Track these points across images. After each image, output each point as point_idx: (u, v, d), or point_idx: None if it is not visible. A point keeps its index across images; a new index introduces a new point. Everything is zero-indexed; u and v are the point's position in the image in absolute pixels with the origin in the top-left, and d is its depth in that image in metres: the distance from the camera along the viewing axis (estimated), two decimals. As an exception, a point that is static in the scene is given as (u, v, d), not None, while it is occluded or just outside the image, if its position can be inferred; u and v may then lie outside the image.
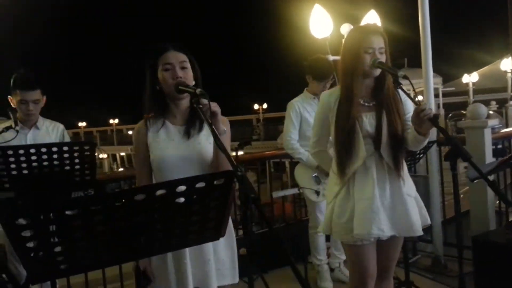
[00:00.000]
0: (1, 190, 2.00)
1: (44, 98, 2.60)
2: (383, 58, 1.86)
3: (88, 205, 0.92)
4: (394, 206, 1.91)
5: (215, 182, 1.02)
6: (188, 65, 1.64)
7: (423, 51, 3.55)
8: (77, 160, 2.02)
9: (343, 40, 1.97)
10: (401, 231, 1.93)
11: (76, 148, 1.98)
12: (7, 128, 2.27)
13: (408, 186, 1.97)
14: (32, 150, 1.91)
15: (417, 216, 1.94)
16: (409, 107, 1.93)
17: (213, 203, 1.09)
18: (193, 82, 1.64)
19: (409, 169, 2.92)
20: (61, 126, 2.74)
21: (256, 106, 26.05)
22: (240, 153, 3.58)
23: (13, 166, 1.92)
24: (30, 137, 2.59)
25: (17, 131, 2.26)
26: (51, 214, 0.91)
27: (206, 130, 1.69)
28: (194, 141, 1.64)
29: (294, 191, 3.39)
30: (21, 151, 1.89)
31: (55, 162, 1.98)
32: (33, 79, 2.47)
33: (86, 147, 1.99)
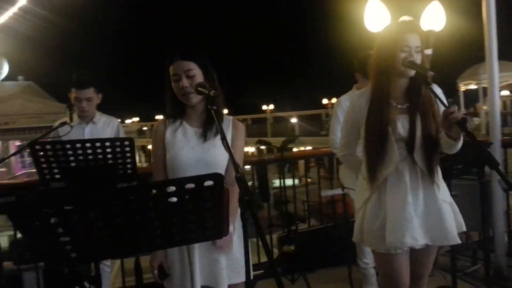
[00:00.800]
0: (53, 180, 2.20)
1: (100, 96, 2.81)
2: (418, 57, 1.77)
3: (83, 201, 1.00)
4: (428, 213, 1.82)
5: (204, 184, 1.05)
6: (194, 72, 1.68)
7: (487, 43, 3.28)
8: (119, 155, 2.16)
9: (378, 37, 1.89)
10: (435, 240, 1.83)
11: (117, 143, 2.11)
12: (62, 124, 2.49)
13: (443, 191, 1.87)
14: (78, 145, 2.07)
15: (452, 223, 1.84)
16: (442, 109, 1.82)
17: (207, 204, 1.12)
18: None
19: (464, 173, 2.74)
20: (116, 121, 2.94)
21: (325, 101, 25.81)
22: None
23: (62, 159, 2.10)
24: (87, 131, 2.81)
25: (71, 127, 2.46)
26: (51, 208, 1.00)
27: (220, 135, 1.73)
28: (209, 144, 1.69)
29: (341, 191, 3.34)
30: (68, 146, 2.07)
31: (99, 156, 2.13)
32: (87, 78, 2.67)
33: (126, 143, 2.12)
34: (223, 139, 1.34)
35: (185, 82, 1.67)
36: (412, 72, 1.78)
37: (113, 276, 4.29)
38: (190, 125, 1.75)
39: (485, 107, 15.49)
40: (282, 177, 3.45)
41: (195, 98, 1.68)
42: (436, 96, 1.70)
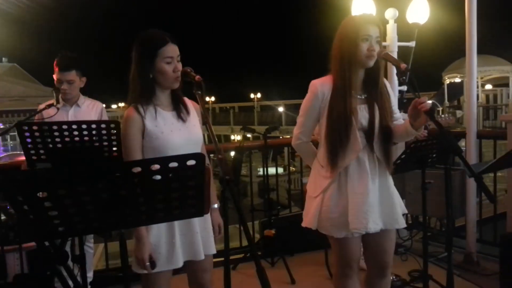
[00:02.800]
0: (40, 161, 2.24)
1: (84, 79, 2.82)
2: (378, 48, 1.86)
3: (71, 177, 1.06)
4: (382, 199, 1.94)
5: (187, 163, 1.12)
6: (180, 57, 1.74)
7: (468, 36, 3.38)
8: (105, 138, 2.20)
9: (340, 29, 1.95)
10: (387, 224, 1.96)
11: (103, 126, 2.15)
12: (49, 106, 2.52)
13: (391, 178, 2.01)
14: (64, 127, 2.11)
15: (399, 208, 1.99)
16: (393, 101, 1.97)
17: (190, 182, 1.19)
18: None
19: (439, 162, 2.85)
20: (100, 105, 2.97)
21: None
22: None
23: (48, 140, 2.14)
24: (71, 113, 2.84)
25: (58, 109, 2.49)
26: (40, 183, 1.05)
27: (193, 115, 1.83)
28: (189, 124, 1.76)
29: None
30: (55, 127, 2.10)
31: (85, 138, 2.17)
32: (69, 61, 2.68)
33: (112, 126, 2.17)
34: (206, 122, 1.41)
35: (179, 65, 1.71)
36: (372, 63, 1.86)
37: (96, 260, 4.35)
38: (162, 109, 1.78)
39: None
40: (265, 164, 3.54)
41: (178, 83, 1.75)
42: (412, 86, 1.77)
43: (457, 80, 17.66)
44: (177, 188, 1.20)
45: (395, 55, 3.99)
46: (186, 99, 1.85)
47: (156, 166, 1.09)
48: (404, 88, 4.22)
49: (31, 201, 1.12)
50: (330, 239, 2.04)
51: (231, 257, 3.60)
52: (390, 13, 3.95)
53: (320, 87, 1.95)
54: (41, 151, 2.18)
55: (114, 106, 33.31)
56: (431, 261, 3.57)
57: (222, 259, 3.50)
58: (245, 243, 3.89)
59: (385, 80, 1.99)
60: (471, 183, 3.45)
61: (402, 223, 1.99)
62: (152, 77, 1.73)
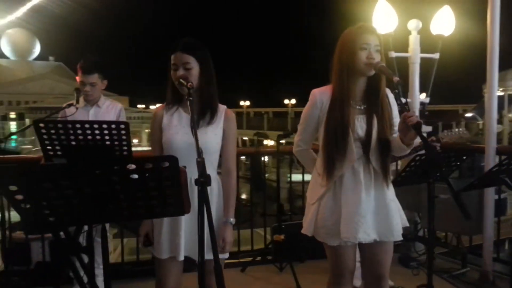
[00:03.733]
0: (56, 156, 2.39)
1: (105, 82, 2.98)
2: (378, 57, 1.88)
3: (55, 173, 1.16)
4: (378, 210, 1.94)
5: (161, 164, 1.20)
6: (192, 65, 1.83)
7: (489, 48, 3.30)
8: (115, 137, 2.32)
9: (339, 40, 1.97)
10: (382, 235, 1.95)
11: (113, 126, 2.28)
12: (69, 105, 2.68)
13: (391, 191, 1.99)
14: (78, 125, 2.25)
15: (398, 220, 1.97)
16: (396, 113, 1.92)
17: (167, 182, 1.27)
18: (195, 81, 1.82)
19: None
20: (119, 106, 3.12)
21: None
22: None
23: (63, 137, 2.28)
24: (92, 113, 3.00)
25: (76, 108, 2.65)
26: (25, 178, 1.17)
27: (216, 123, 1.90)
28: (201, 131, 1.82)
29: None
30: (69, 125, 2.25)
31: (98, 137, 2.30)
32: (92, 64, 2.84)
33: (122, 126, 2.29)
34: (193, 127, 1.48)
35: (181, 72, 1.81)
36: (372, 72, 1.87)
37: (116, 255, 4.52)
38: (185, 112, 1.89)
39: (510, 115, 15.16)
40: (278, 170, 3.59)
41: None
42: (400, 100, 1.78)
43: (499, 93, 17.04)
44: (155, 187, 1.28)
45: (417, 67, 3.95)
46: (221, 107, 1.93)
47: (132, 166, 1.18)
48: (427, 100, 4.17)
49: (25, 193, 1.24)
50: (325, 246, 2.07)
51: (241, 260, 3.67)
52: (413, 24, 3.92)
53: (319, 96, 1.98)
54: (57, 147, 2.33)
55: (153, 107, 34.45)
56: (444, 278, 3.50)
57: (234, 260, 3.62)
58: (256, 246, 3.95)
59: (388, 91, 1.99)
60: (489, 200, 3.36)
61: (397, 236, 1.97)
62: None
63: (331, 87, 1.97)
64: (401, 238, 1.95)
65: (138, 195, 1.30)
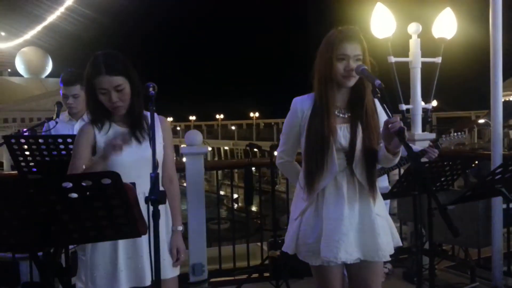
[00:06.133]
0: (30, 173, 2.29)
1: None
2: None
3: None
4: (362, 227, 1.76)
5: (101, 181, 1.07)
6: (123, 86, 1.69)
7: (492, 53, 3.14)
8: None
9: (320, 45, 1.82)
10: (367, 255, 1.76)
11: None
12: (48, 119, 2.59)
13: (379, 205, 1.80)
14: (50, 140, 2.15)
15: (386, 239, 1.78)
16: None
17: (114, 201, 1.14)
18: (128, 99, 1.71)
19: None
20: None
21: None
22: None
23: (36, 153, 2.18)
24: (77, 128, 2.89)
25: (56, 122, 2.55)
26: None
27: (157, 133, 1.74)
28: (145, 142, 1.70)
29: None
30: (41, 140, 2.15)
31: (72, 152, 2.20)
32: (73, 76, 2.75)
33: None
34: (152, 139, 1.36)
35: (114, 96, 1.68)
36: (352, 83, 1.73)
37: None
38: (118, 126, 1.76)
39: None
40: (272, 181, 3.44)
41: (124, 109, 1.72)
42: (383, 106, 1.63)
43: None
44: (101, 207, 1.16)
45: (418, 72, 3.80)
46: (156, 116, 1.79)
47: (68, 184, 1.06)
48: (429, 106, 4.00)
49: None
50: (311, 267, 1.91)
51: (237, 277, 3.52)
52: (413, 28, 3.77)
53: (300, 104, 1.85)
54: (31, 164, 2.23)
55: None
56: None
57: (229, 278, 3.47)
58: (252, 263, 3.79)
59: (376, 99, 1.82)
60: (496, 209, 3.17)
61: (383, 256, 1.77)
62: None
63: (314, 94, 1.84)
64: (388, 258, 1.76)
65: (84, 216, 1.17)
